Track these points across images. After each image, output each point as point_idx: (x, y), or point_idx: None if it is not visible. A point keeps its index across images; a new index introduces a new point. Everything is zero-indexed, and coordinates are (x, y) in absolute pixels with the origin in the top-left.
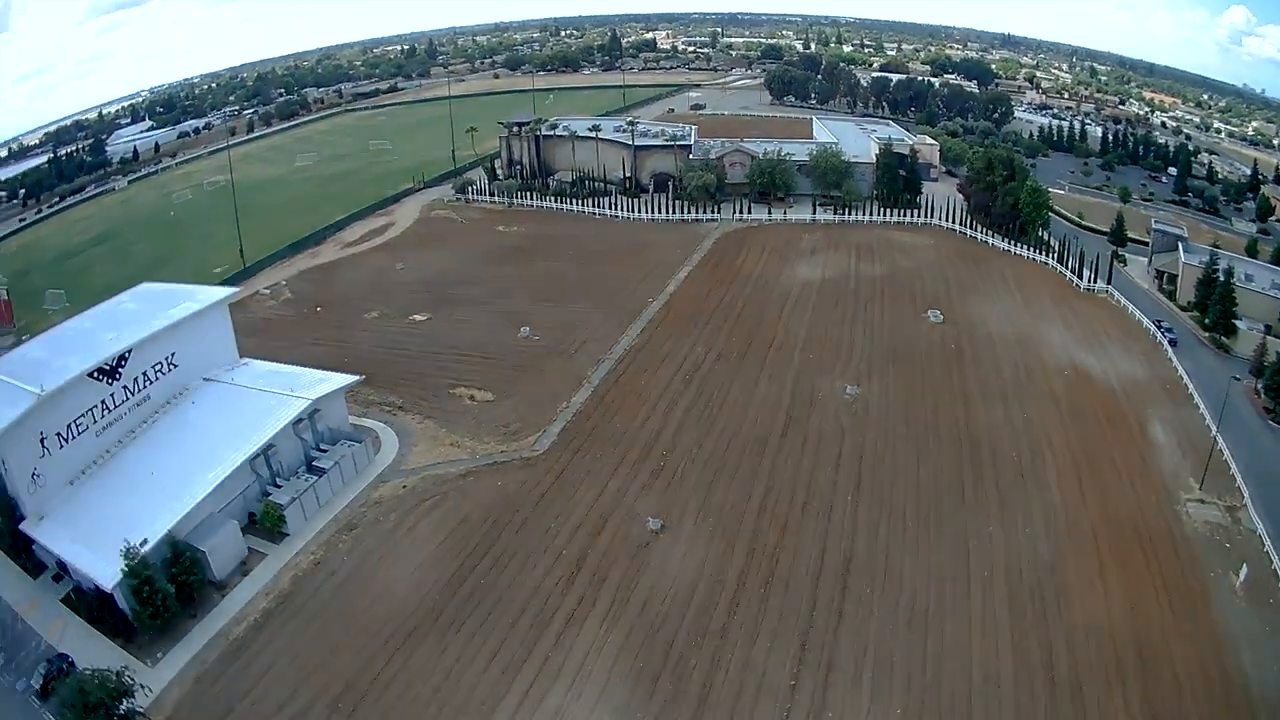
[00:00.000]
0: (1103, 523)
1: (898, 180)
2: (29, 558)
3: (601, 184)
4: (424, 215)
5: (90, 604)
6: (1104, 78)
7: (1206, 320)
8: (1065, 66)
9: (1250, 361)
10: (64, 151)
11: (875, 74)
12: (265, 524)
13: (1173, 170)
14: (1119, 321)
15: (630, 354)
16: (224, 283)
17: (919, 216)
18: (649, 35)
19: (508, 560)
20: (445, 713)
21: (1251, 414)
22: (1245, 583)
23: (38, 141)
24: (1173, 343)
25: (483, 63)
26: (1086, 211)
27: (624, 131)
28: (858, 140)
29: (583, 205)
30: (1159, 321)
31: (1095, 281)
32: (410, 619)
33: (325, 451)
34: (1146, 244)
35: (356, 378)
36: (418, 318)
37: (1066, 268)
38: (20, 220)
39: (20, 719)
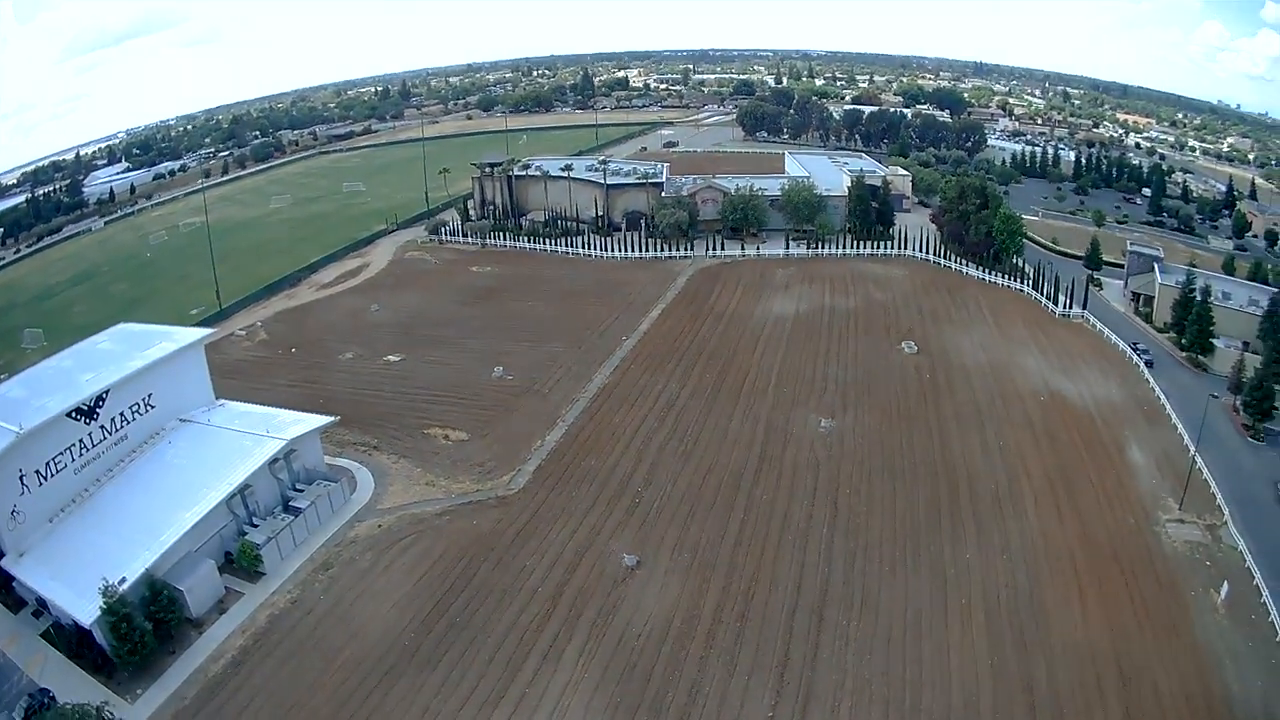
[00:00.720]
0: (1081, 546)
1: (870, 212)
2: (9, 594)
3: (574, 223)
4: (398, 256)
5: (70, 640)
6: (1077, 101)
7: (1184, 340)
8: (1038, 92)
9: (1228, 379)
10: (41, 192)
11: (847, 106)
12: (242, 563)
13: (1147, 191)
14: (1095, 345)
15: (604, 392)
16: (200, 324)
17: (892, 248)
18: (621, 74)
19: (483, 598)
20: None
21: (1230, 431)
22: (1226, 600)
23: (15, 181)
24: (1149, 364)
25: (456, 104)
26: (1061, 237)
27: (596, 170)
28: (830, 174)
29: (556, 245)
30: (1135, 344)
31: (1071, 307)
32: (386, 657)
33: (301, 491)
34: (1122, 267)
35: (332, 418)
36: (392, 358)
37: (1041, 294)
38: None
39: None
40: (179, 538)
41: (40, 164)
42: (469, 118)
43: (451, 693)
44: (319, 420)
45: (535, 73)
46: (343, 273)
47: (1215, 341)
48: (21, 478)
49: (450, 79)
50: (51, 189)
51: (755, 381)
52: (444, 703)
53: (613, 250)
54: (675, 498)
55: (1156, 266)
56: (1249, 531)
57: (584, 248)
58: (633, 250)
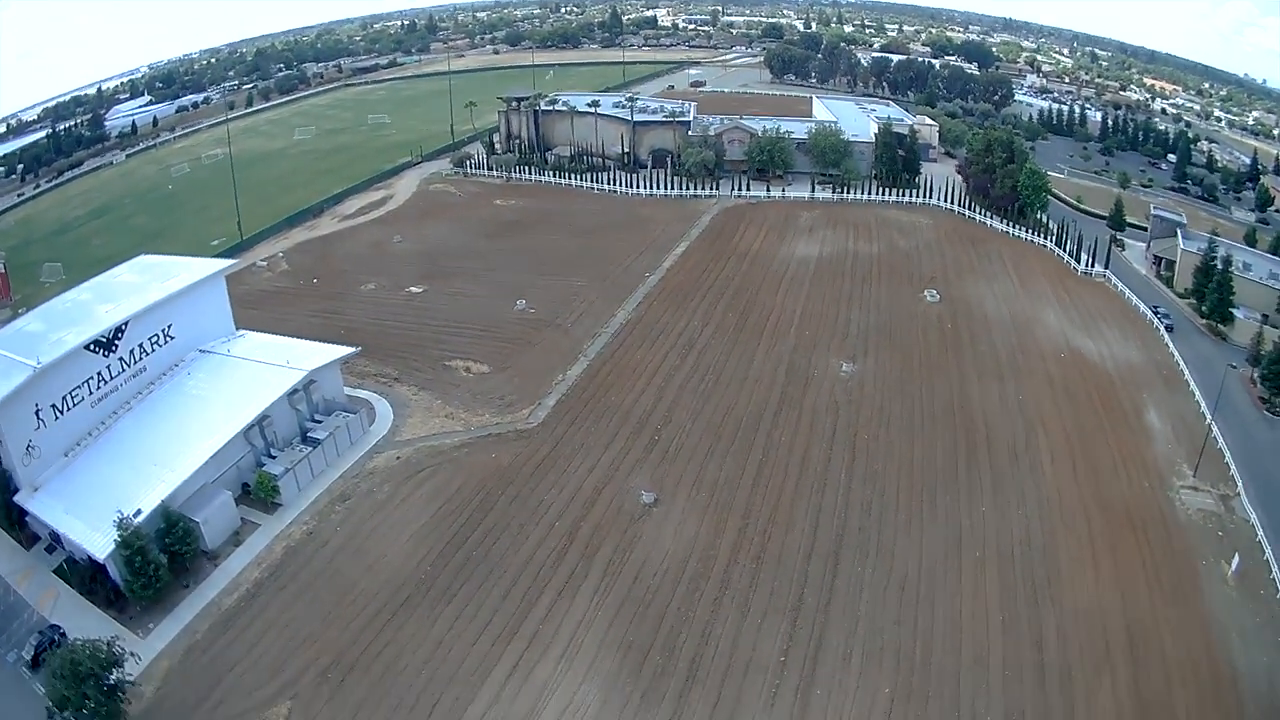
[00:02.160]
0: (1096, 507)
1: (896, 160)
2: (23, 529)
3: (600, 159)
4: (422, 189)
5: (83, 575)
6: (1105, 63)
7: (1204, 307)
8: (1066, 51)
9: (1247, 350)
10: (62, 127)
11: (875, 54)
12: (259, 494)
13: (1172, 157)
14: (1115, 306)
15: (626, 328)
16: (221, 255)
17: (917, 196)
18: (650, 12)
19: (500, 532)
20: (434, 684)
21: (1247, 403)
22: (1236, 573)
23: (36, 117)
24: (1169, 328)
25: (483, 38)
26: (1085, 196)
27: (623, 107)
28: (857, 120)
29: (581, 180)
30: (1155, 307)
31: (1093, 266)
32: (401, 590)
33: (320, 422)
34: (1145, 229)
35: (352, 349)
36: (414, 290)
37: (1064, 251)
38: (19, 195)
39: (11, 690)
40: (196, 469)
41: (61, 99)
42: (495, 52)
43: (465, 627)
44: (339, 351)
45: (563, 9)
46: (366, 204)
47: (1235, 311)
48: (37, 412)
49: (477, 14)
50: (72, 123)
51: (777, 323)
52: (457, 637)
53: (638, 187)
54: (694, 436)
55: (1179, 232)
56: (1262, 506)
57: (609, 184)
58: (658, 188)
